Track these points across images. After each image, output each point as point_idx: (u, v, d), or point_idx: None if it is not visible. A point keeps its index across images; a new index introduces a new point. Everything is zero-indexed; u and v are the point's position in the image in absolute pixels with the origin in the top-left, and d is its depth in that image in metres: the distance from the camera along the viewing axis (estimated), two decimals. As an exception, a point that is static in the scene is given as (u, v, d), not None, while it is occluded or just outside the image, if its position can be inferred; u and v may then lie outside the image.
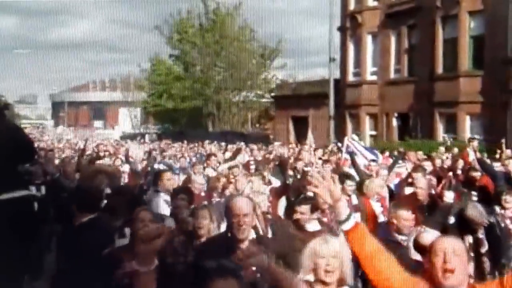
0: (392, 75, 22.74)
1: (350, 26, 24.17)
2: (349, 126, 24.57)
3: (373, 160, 8.88)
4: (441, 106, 19.47)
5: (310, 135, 20.85)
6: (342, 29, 24.84)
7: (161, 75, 42.80)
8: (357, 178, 6.57)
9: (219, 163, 9.73)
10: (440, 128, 19.75)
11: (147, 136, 43.59)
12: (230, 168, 7.80)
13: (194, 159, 12.88)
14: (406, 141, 19.02)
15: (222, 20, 38.06)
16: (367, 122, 23.61)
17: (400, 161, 8.80)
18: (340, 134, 24.33)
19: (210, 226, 3.53)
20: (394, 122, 22.44)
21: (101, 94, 59.64)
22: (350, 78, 24.63)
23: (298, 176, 7.89)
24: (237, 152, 10.86)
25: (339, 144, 19.64)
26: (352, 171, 7.60)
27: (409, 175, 6.83)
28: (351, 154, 8.82)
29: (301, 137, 25.93)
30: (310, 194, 4.01)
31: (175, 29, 40.73)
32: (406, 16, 21.38)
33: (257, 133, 40.05)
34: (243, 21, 38.22)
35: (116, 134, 48.39)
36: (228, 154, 12.08)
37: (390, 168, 8.01)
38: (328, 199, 2.52)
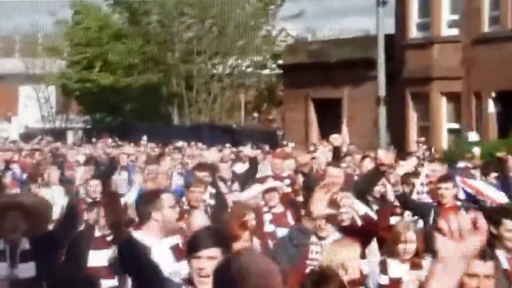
0: (486, 28, 22.80)
1: None
2: (412, 114, 24.49)
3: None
4: None
5: (345, 132, 20.93)
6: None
7: (90, 30, 42.87)
8: None
9: (225, 182, 10.80)
10: None
11: (69, 134, 43.30)
12: (265, 192, 8.75)
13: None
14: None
15: None
16: (443, 108, 23.64)
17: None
18: (397, 128, 24.51)
19: None
20: (491, 107, 22.45)
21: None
22: (414, 33, 24.71)
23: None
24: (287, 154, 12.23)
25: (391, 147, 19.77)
26: None
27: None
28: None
29: (329, 134, 25.96)
30: None
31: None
32: None
33: (254, 127, 40.12)
34: None
35: (14, 132, 48.42)
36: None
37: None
38: None
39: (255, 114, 45.62)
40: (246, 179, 10.86)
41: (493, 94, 22.33)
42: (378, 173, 8.35)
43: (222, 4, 38.10)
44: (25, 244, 5.77)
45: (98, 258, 6.45)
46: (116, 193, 6.80)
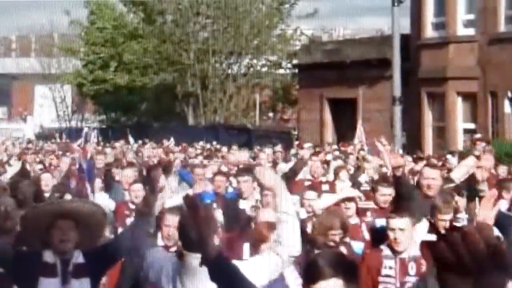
0: (502, 27, 22.79)
1: None
2: (428, 114, 24.54)
3: None
4: None
5: (360, 131, 20.97)
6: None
7: (105, 30, 43.10)
8: None
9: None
10: None
11: (84, 133, 43.07)
12: (341, 201, 8.10)
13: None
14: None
15: None
16: (459, 108, 23.64)
17: None
18: (412, 128, 24.52)
19: None
20: (507, 107, 22.47)
21: (1, 61, 60.04)
22: (429, 33, 24.73)
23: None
24: (300, 164, 11.77)
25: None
26: None
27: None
28: None
29: (344, 134, 26.04)
30: None
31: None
32: None
33: (269, 127, 40.17)
34: None
35: (29, 130, 48.77)
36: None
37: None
38: None
39: (270, 114, 45.67)
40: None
41: (510, 94, 22.33)
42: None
43: (237, 4, 38.16)
44: (78, 258, 5.07)
45: None
46: (199, 199, 6.35)
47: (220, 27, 38.97)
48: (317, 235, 6.30)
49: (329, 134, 29.24)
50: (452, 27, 23.74)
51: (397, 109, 24.13)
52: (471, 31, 23.54)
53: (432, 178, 7.19)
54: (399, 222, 6.15)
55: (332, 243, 6.29)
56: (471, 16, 23.61)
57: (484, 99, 22.97)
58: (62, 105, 50.76)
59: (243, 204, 8.87)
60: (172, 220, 5.88)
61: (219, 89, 39.46)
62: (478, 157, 11.50)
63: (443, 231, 6.44)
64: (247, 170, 9.99)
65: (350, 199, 8.13)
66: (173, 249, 5.86)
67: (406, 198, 6.89)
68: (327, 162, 14.72)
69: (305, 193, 8.81)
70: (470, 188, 7.69)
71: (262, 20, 39.31)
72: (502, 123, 22.55)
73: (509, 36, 22.34)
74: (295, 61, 35.15)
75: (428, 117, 24.50)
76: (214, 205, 9.00)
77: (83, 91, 45.31)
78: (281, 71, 41.02)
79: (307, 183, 11.01)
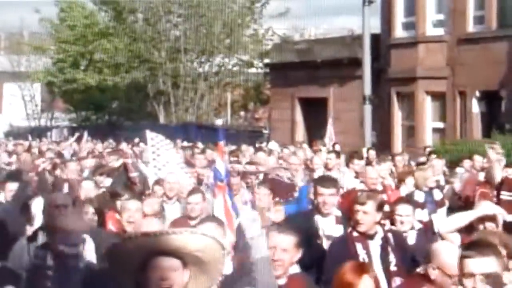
0: (470, 28, 22.95)
1: None
2: (398, 113, 24.73)
3: None
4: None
5: (330, 130, 21.09)
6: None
7: (76, 27, 42.85)
8: None
9: None
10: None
11: (54, 133, 43.11)
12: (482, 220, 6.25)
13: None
14: (495, 139, 19.19)
15: None
16: (428, 108, 23.76)
17: None
18: (382, 127, 24.68)
19: None
20: (475, 107, 22.61)
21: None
22: (399, 32, 24.84)
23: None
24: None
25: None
26: None
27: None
28: None
29: (315, 133, 26.15)
30: None
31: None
32: None
33: (241, 126, 40.20)
34: None
35: (-2, 129, 48.25)
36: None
37: None
38: None
39: (242, 113, 45.73)
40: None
41: (478, 94, 22.45)
42: None
43: (209, 2, 38.16)
44: None
45: None
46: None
47: (192, 26, 38.94)
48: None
49: (300, 133, 29.34)
50: (421, 27, 23.83)
51: (367, 109, 24.22)
52: (440, 31, 23.67)
53: None
54: None
55: None
56: (441, 16, 23.71)
57: (453, 99, 23.12)
58: (31, 104, 50.39)
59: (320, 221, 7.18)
60: None
61: (191, 88, 39.44)
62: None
63: None
64: None
65: (490, 218, 6.27)
66: None
67: None
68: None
69: (398, 207, 7.88)
70: None
71: (234, 19, 39.32)
72: (470, 123, 22.73)
73: (477, 36, 22.52)
74: (266, 61, 35.21)
75: (397, 116, 24.62)
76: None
77: (53, 90, 45.03)
78: (253, 70, 41.09)
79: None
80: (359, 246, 6.33)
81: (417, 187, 10.31)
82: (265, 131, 33.15)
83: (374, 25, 25.56)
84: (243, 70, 41.21)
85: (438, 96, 23.62)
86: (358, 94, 24.98)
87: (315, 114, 27.89)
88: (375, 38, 24.91)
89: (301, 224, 6.53)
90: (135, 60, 40.04)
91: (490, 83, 21.76)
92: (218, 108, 42.24)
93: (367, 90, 24.22)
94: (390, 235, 6.61)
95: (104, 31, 42.20)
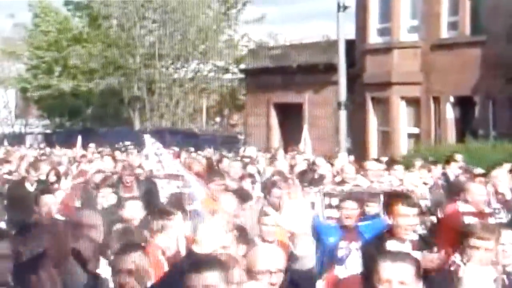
0: (444, 33, 23.08)
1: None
2: (373, 119, 24.80)
3: None
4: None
5: (306, 135, 21.11)
6: (359, -44, 25.27)
7: (50, 33, 42.59)
8: None
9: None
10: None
11: (28, 139, 42.78)
12: None
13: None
14: (469, 144, 19.33)
15: None
16: (403, 113, 23.84)
17: None
18: (358, 133, 24.74)
19: None
20: (449, 112, 22.74)
21: None
22: (374, 38, 24.94)
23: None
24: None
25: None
26: None
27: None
28: None
29: (290, 139, 26.16)
30: None
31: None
32: None
33: (216, 131, 40.15)
34: None
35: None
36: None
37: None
38: None
39: (217, 119, 45.68)
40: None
41: (451, 99, 22.58)
42: None
43: (184, 8, 38.10)
44: None
45: None
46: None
47: (167, 32, 38.87)
48: None
49: (276, 139, 29.36)
50: (396, 33, 23.92)
51: (343, 114, 24.20)
52: (414, 37, 23.79)
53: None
54: None
55: None
56: (415, 22, 23.82)
57: (427, 104, 23.23)
58: (5, 110, 49.99)
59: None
60: None
61: (166, 93, 39.36)
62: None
63: None
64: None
65: None
66: None
67: None
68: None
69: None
70: None
71: (210, 25, 39.31)
72: (444, 128, 22.84)
73: (451, 42, 22.66)
74: (242, 66, 35.22)
75: (373, 121, 24.70)
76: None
77: (26, 96, 44.69)
78: (228, 76, 41.09)
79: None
80: None
81: None
82: (241, 137, 33.10)
83: (349, 31, 25.67)
84: (218, 76, 41.21)
85: (412, 102, 23.72)
86: (334, 99, 24.99)
87: (291, 120, 27.92)
88: (350, 43, 24.94)
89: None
90: (110, 66, 39.87)
91: (464, 88, 21.88)
92: (193, 114, 42.15)
93: (342, 96, 24.19)
94: (504, 277, 5.48)
95: (78, 37, 41.99)
